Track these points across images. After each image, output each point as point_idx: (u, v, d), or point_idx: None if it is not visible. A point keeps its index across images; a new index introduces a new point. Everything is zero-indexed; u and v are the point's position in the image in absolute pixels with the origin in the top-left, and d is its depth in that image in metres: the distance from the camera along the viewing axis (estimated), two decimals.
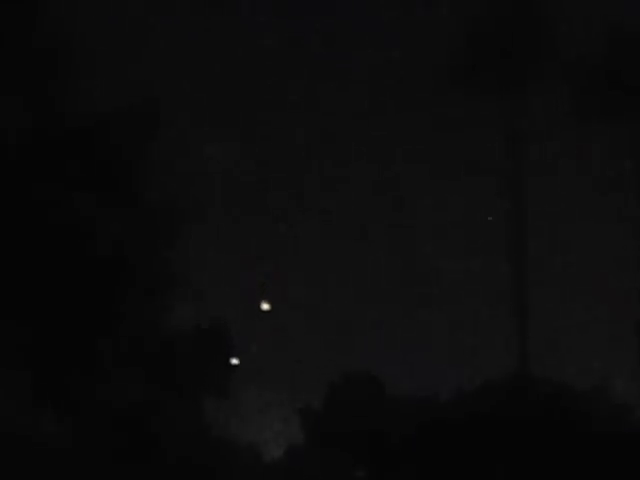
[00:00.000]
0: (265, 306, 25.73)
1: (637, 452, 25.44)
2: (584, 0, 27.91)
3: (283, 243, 28.71)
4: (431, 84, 28.73)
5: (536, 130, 28.84)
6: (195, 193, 26.16)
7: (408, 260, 28.70)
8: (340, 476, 25.82)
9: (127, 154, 26.47)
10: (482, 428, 25.73)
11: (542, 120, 28.43)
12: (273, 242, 28.48)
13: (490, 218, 28.88)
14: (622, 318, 27.14)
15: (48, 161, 25.96)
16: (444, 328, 27.73)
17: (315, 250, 28.87)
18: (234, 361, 26.00)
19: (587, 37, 28.41)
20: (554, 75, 28.95)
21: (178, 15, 29.23)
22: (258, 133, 29.71)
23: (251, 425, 26.91)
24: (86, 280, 25.67)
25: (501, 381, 26.79)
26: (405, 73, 29.53)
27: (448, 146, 29.05)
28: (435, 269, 28.00)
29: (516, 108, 28.90)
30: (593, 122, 28.22)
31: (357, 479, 26.01)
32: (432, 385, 26.89)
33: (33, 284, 25.45)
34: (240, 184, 29.32)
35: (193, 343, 26.50)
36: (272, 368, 26.96)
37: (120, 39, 26.50)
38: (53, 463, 25.21)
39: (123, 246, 26.21)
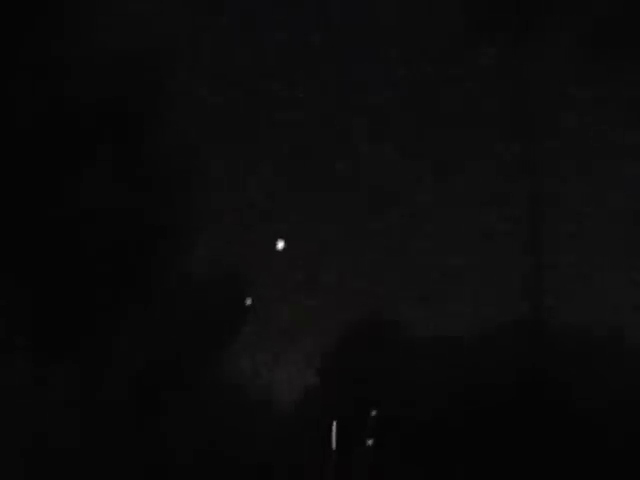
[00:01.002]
0: (280, 244, 25.61)
1: None
2: None
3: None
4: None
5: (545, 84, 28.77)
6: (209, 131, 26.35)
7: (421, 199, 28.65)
8: (355, 415, 25.35)
9: (137, 99, 26.78)
10: (495, 373, 25.47)
11: (553, 71, 28.49)
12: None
13: None
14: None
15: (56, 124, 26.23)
16: (459, 275, 27.60)
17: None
18: (248, 301, 25.74)
19: None
20: (560, 28, 29.18)
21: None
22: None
23: (265, 367, 26.50)
24: (105, 220, 25.65)
25: (515, 328, 26.56)
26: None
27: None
28: (450, 219, 28.01)
29: (525, 57, 29.08)
30: (602, 78, 28.46)
31: (372, 419, 25.51)
32: (448, 328, 26.67)
33: (47, 233, 25.46)
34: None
35: (209, 286, 26.31)
36: (286, 312, 26.70)
37: None
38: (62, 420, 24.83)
39: (140, 190, 26.26)
